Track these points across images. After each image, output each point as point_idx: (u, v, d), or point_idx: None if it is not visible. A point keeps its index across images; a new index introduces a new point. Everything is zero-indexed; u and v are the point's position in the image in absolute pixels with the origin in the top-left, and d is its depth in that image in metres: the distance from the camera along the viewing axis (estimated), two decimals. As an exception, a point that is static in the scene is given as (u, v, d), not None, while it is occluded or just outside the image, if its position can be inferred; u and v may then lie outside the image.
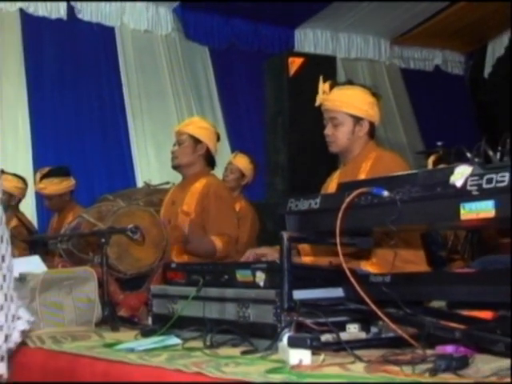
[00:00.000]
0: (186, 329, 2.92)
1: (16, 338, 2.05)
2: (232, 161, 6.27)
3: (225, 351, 2.56)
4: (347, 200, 2.29)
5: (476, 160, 5.37)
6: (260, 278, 2.74)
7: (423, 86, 9.17)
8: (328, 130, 3.65)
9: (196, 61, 8.07)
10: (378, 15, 8.34)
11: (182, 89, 7.88)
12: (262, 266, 2.79)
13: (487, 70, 9.20)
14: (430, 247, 4.70)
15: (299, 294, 2.54)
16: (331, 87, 3.64)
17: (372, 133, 3.68)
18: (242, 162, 6.25)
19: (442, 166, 5.57)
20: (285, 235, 2.56)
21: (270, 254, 3.28)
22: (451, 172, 2.14)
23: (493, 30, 8.91)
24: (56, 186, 5.92)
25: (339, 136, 3.62)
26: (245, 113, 7.95)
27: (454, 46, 9.39)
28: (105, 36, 7.58)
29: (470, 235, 5.31)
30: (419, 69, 9.39)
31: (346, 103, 3.60)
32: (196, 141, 4.50)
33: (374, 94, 3.71)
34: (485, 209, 2.03)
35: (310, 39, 8.56)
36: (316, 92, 3.75)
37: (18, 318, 2.07)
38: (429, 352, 2.17)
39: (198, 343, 2.72)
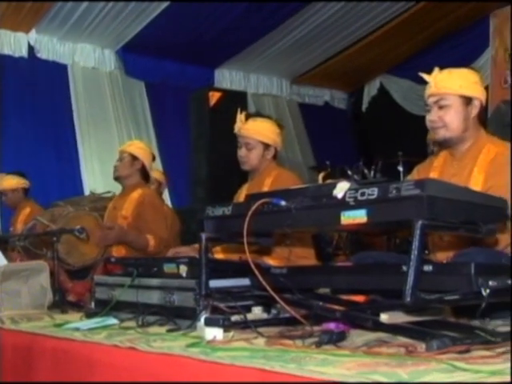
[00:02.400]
0: (122, 311, 2.89)
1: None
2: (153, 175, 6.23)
3: (154, 330, 2.55)
4: (253, 208, 2.30)
5: (354, 177, 5.47)
6: (183, 270, 2.73)
7: (316, 117, 9.26)
8: (242, 152, 3.66)
9: (134, 93, 7.98)
10: (281, 60, 8.41)
11: (122, 116, 7.79)
12: (184, 261, 2.78)
13: (364, 105, 9.38)
14: (319, 245, 4.76)
15: (214, 283, 2.55)
16: (246, 118, 3.67)
17: (276, 156, 3.72)
18: (158, 175, 6.23)
19: (328, 181, 5.66)
20: (203, 236, 2.56)
21: (189, 251, 3.28)
22: (334, 187, 2.15)
23: (369, 75, 9.10)
24: (9, 182, 5.72)
25: (251, 157, 3.64)
26: (174, 136, 7.88)
27: (339, 86, 9.53)
28: (59, 72, 7.43)
29: (350, 235, 5.39)
30: (312, 103, 9.48)
31: (259, 132, 3.62)
32: (134, 158, 4.49)
33: (280, 125, 3.76)
34: (359, 216, 2.06)
35: (227, 77, 8.55)
36: (231, 120, 3.76)
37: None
38: (316, 328, 2.19)
39: (132, 323, 2.70)
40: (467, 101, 2.74)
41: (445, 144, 2.86)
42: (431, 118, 2.78)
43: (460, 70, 2.79)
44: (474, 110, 2.76)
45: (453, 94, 2.73)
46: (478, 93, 2.77)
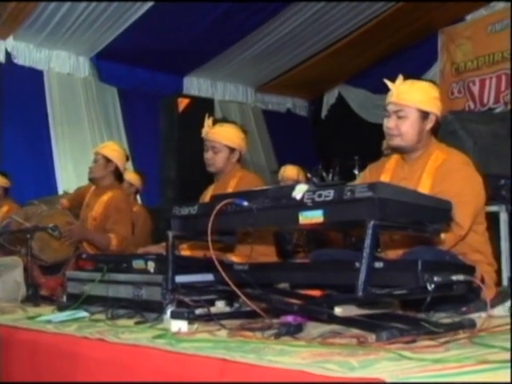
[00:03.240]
0: (92, 305, 2.86)
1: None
2: (125, 176, 6.17)
3: (122, 322, 2.53)
4: (217, 208, 2.29)
5: (313, 179, 5.49)
6: (151, 266, 2.72)
7: (278, 123, 9.28)
8: (208, 155, 3.66)
9: (107, 98, 7.91)
10: (246, 69, 8.41)
11: (95, 119, 7.71)
12: (152, 257, 2.77)
13: (324, 113, 9.43)
14: (280, 243, 4.78)
15: (180, 279, 2.55)
16: (213, 123, 3.67)
17: (240, 159, 3.73)
18: (134, 177, 6.19)
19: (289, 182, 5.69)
20: (170, 234, 2.55)
21: (157, 250, 3.26)
22: (293, 188, 2.16)
23: (328, 85, 9.15)
24: None
25: (217, 160, 3.64)
26: (144, 140, 7.82)
27: (300, 95, 9.56)
28: (35, 77, 7.31)
29: (309, 234, 5.42)
30: (276, 110, 9.49)
31: (225, 136, 3.63)
32: (108, 160, 4.45)
33: (244, 131, 3.77)
34: (316, 216, 2.07)
35: (195, 85, 8.52)
36: (198, 125, 3.76)
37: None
38: (275, 321, 2.20)
39: (102, 316, 2.68)
40: (424, 115, 2.76)
41: (398, 151, 2.89)
42: (389, 125, 2.79)
43: (421, 84, 2.79)
44: (430, 123, 2.78)
45: (412, 107, 2.74)
46: (435, 108, 2.78)
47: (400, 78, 2.77)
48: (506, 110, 5.63)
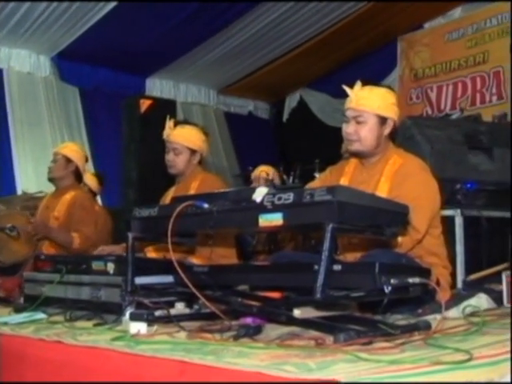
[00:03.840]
0: (51, 307, 2.82)
1: None
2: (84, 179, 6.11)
3: (81, 324, 2.49)
4: (177, 209, 2.28)
5: (273, 182, 5.49)
6: (110, 267, 2.70)
7: (240, 125, 9.27)
8: (169, 157, 3.64)
9: (68, 98, 7.79)
10: (209, 71, 8.38)
11: (56, 119, 7.58)
12: (112, 258, 2.74)
13: (285, 116, 9.45)
14: (241, 245, 4.78)
15: (140, 280, 2.52)
16: (175, 125, 3.65)
17: (202, 161, 3.72)
18: (92, 179, 6.12)
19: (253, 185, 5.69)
20: (130, 235, 2.53)
21: (116, 249, 3.23)
22: (253, 191, 2.16)
23: (289, 88, 9.19)
24: None
25: (178, 162, 3.63)
26: (106, 140, 7.73)
27: (262, 97, 9.58)
28: (-5, 76, 7.22)
29: (270, 236, 5.43)
30: (237, 113, 9.48)
31: (186, 138, 3.62)
32: (68, 160, 4.40)
33: (206, 133, 3.77)
34: (276, 218, 2.08)
35: (158, 86, 8.45)
36: (160, 126, 3.73)
37: None
38: (234, 323, 2.20)
39: (60, 318, 2.63)
40: (383, 120, 2.79)
41: (357, 155, 2.93)
42: (348, 130, 2.81)
43: (379, 90, 2.82)
44: (388, 128, 2.82)
45: (371, 112, 2.77)
46: (393, 113, 2.82)
47: (358, 83, 2.79)
48: (462, 117, 5.74)
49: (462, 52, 7.13)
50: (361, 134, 2.78)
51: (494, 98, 6.80)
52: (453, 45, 7.27)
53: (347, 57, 8.09)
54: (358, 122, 2.78)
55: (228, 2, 6.65)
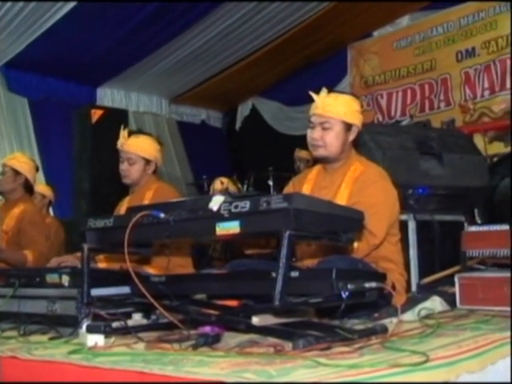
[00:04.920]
0: (4, 321, 2.74)
1: None
2: (36, 189, 6.01)
3: (36, 338, 2.43)
4: (133, 220, 2.27)
5: (229, 191, 5.50)
6: (65, 279, 2.65)
7: (193, 134, 9.26)
8: (124, 166, 3.61)
9: (17, 109, 7.66)
10: (160, 80, 8.36)
11: (4, 130, 7.46)
12: (66, 271, 2.69)
13: (238, 124, 9.50)
14: (197, 254, 4.77)
15: (96, 292, 2.48)
16: (129, 134, 3.63)
17: (156, 170, 3.70)
18: (44, 189, 6.01)
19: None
20: (85, 247, 2.49)
21: (71, 261, 3.18)
22: (210, 200, 2.16)
23: (242, 97, 9.24)
24: None
25: (132, 172, 3.61)
26: (56, 150, 7.62)
27: (214, 106, 9.61)
28: None
29: (226, 245, 5.43)
30: (190, 122, 9.48)
31: (140, 148, 3.60)
32: (16, 172, 4.30)
33: (160, 142, 3.75)
34: (233, 227, 2.08)
35: (109, 96, 8.39)
36: (112, 136, 3.70)
37: None
38: (192, 332, 2.18)
39: (14, 333, 2.56)
40: (348, 127, 2.85)
41: (321, 161, 2.98)
42: (314, 136, 2.86)
43: (345, 97, 2.88)
44: (352, 135, 2.88)
45: (337, 119, 2.82)
46: (357, 120, 2.88)
47: (324, 90, 2.85)
48: (412, 123, 5.86)
49: (410, 59, 7.30)
50: (326, 139, 2.84)
51: (442, 105, 6.97)
52: (401, 52, 7.43)
53: (298, 65, 8.19)
54: (324, 128, 2.83)
55: (193, 1, 6.59)
